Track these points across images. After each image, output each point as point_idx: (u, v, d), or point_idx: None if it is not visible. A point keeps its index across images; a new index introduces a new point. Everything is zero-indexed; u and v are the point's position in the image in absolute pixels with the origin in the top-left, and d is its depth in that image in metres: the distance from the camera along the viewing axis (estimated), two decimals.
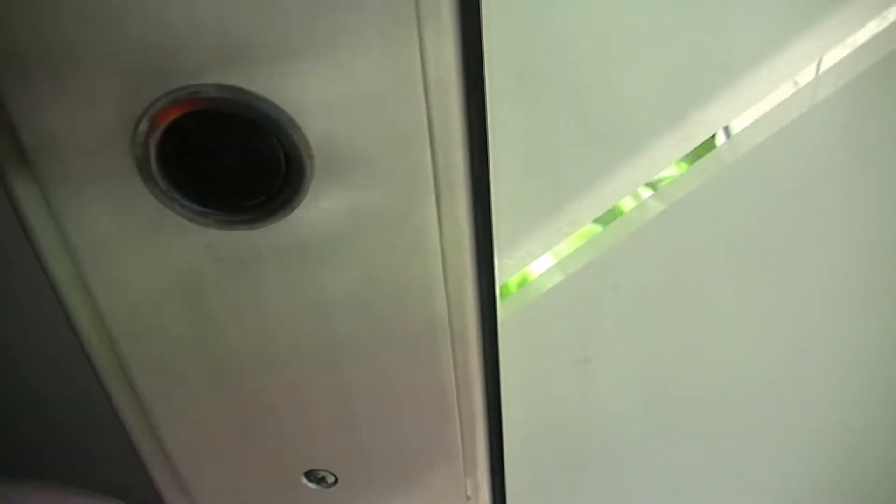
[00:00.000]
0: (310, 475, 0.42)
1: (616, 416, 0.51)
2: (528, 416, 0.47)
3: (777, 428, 0.56)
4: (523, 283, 0.43)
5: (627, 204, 0.40)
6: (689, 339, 0.47)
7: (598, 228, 0.41)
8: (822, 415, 0.57)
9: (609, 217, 0.41)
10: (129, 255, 0.31)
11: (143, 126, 0.27)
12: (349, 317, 0.35)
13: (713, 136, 0.38)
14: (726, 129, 0.39)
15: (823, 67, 0.38)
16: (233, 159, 0.28)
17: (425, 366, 0.38)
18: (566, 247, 0.41)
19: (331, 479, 0.42)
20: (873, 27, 0.38)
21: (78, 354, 0.34)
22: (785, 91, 0.38)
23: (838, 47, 0.37)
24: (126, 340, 0.35)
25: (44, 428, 0.45)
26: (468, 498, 0.45)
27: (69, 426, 0.45)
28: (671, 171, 0.39)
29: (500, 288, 0.39)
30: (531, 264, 0.41)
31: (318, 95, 0.28)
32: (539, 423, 0.49)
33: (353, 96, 0.28)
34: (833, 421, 0.57)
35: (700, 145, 0.38)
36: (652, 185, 0.40)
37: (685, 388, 0.51)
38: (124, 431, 0.41)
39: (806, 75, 0.38)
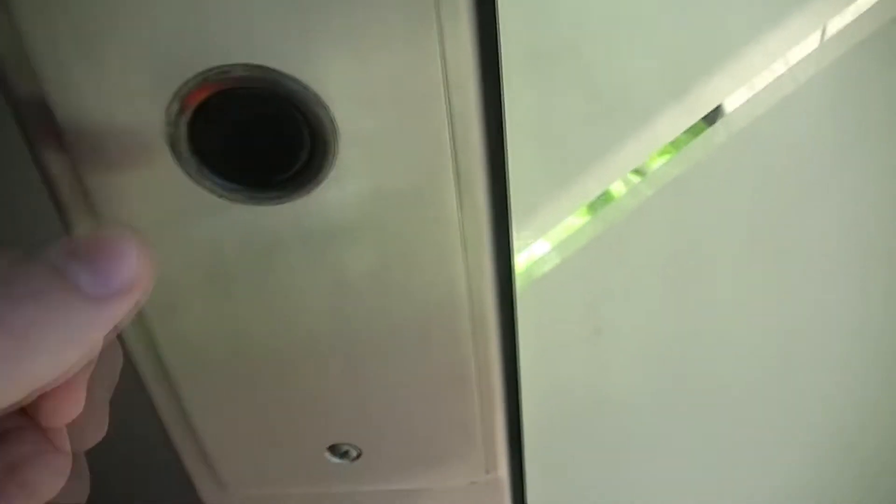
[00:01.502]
0: (333, 449, 0.43)
1: (628, 387, 0.52)
2: (543, 389, 0.48)
3: (786, 399, 0.57)
4: (534, 257, 0.44)
5: (632, 179, 0.41)
6: (696, 310, 0.48)
7: (606, 201, 0.42)
8: (829, 387, 0.57)
9: (615, 192, 0.42)
10: (160, 233, 0.33)
11: (175, 107, 0.28)
12: (370, 293, 0.36)
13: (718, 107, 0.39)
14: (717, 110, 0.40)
15: (827, 35, 0.39)
16: (260, 136, 0.29)
17: (445, 341, 0.38)
18: (576, 220, 0.42)
19: (354, 454, 0.43)
20: None
21: None
22: (779, 67, 0.39)
23: (837, 18, 0.38)
24: (156, 317, 0.36)
25: None
26: (487, 471, 0.46)
27: None
28: (672, 145, 0.40)
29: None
30: (542, 238, 0.41)
31: (342, 76, 0.29)
32: (554, 396, 0.50)
33: (375, 78, 0.29)
34: (836, 390, 0.58)
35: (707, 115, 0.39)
36: (653, 161, 0.41)
37: (694, 358, 0.52)
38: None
39: (800, 49, 0.39)
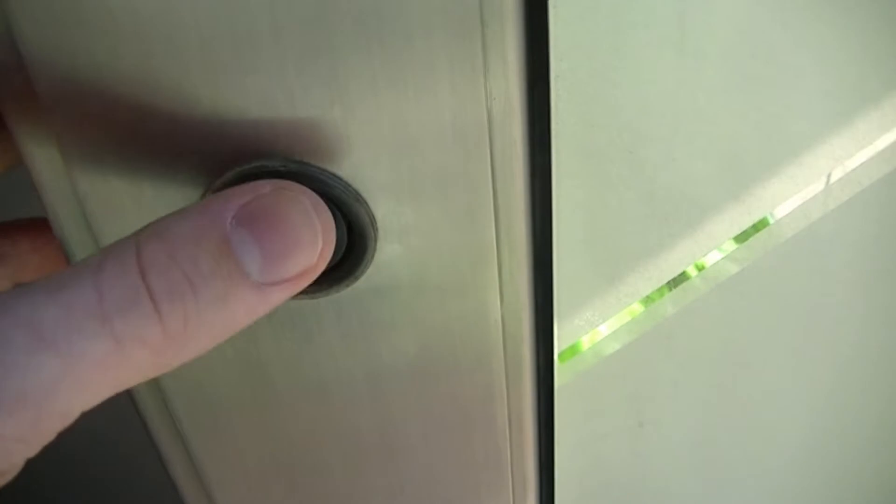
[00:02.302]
0: None
1: (667, 479, 0.51)
2: (581, 478, 0.47)
3: (823, 492, 0.56)
4: (581, 350, 0.43)
5: (685, 277, 0.40)
6: (739, 405, 0.47)
7: (656, 299, 0.41)
8: (873, 481, 0.56)
9: (666, 289, 0.41)
10: None
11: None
12: (407, 385, 0.35)
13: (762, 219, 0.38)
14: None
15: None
16: None
17: (482, 433, 0.37)
18: (625, 315, 0.41)
19: None
20: None
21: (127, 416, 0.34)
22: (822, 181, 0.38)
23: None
24: (179, 398, 0.35)
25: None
26: None
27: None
28: (724, 247, 0.39)
29: (560, 354, 0.39)
30: (590, 332, 0.40)
31: (384, 171, 0.28)
32: (593, 485, 0.49)
33: (419, 173, 0.28)
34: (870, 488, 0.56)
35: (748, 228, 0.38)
36: (706, 261, 0.40)
37: (734, 454, 0.51)
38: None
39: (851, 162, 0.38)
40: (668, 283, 0.39)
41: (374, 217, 0.29)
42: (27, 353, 0.21)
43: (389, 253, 0.30)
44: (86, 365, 0.21)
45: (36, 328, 0.21)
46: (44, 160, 0.27)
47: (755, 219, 0.38)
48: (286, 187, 0.25)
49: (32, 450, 0.22)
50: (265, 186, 0.24)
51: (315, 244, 0.25)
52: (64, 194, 0.28)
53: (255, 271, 0.23)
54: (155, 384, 0.34)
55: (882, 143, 0.39)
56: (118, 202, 0.28)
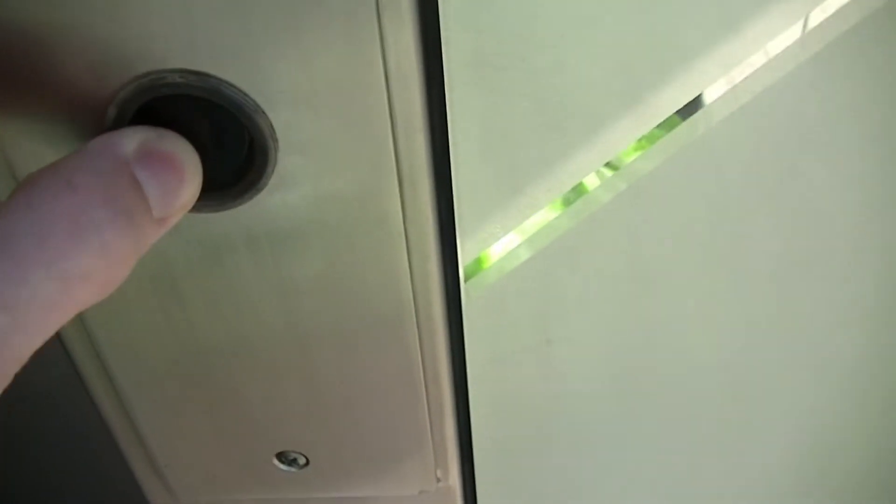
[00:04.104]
0: (281, 457, 0.43)
1: (579, 397, 0.52)
2: (493, 398, 0.48)
3: (739, 411, 0.57)
4: (483, 265, 0.44)
5: (587, 185, 0.41)
6: (649, 320, 0.48)
7: (557, 210, 0.42)
8: (787, 401, 0.58)
9: (568, 199, 0.42)
10: None
11: (112, 112, 0.28)
12: (316, 300, 0.36)
13: (670, 117, 0.39)
14: (697, 101, 0.40)
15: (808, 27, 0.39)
16: (200, 143, 0.29)
17: (392, 349, 0.39)
18: (526, 229, 0.42)
19: (302, 461, 0.43)
20: None
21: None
22: (755, 61, 0.39)
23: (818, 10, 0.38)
24: (99, 324, 0.36)
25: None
26: (438, 479, 0.46)
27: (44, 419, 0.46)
28: (630, 150, 0.40)
29: (464, 270, 0.40)
30: (491, 246, 0.42)
31: (282, 82, 0.29)
32: (505, 405, 0.50)
33: (317, 83, 0.29)
34: (798, 407, 0.58)
35: (660, 124, 0.39)
36: (611, 165, 0.41)
37: (646, 370, 0.52)
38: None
39: (777, 44, 0.39)
40: (568, 193, 0.40)
41: (273, 128, 0.29)
42: None
43: (290, 164, 0.31)
44: (34, 312, 0.22)
45: None
46: None
47: (650, 127, 0.39)
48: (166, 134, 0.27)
49: None
50: (152, 132, 0.27)
51: (197, 179, 0.28)
52: None
53: (156, 206, 0.26)
54: None
55: (772, 48, 0.40)
56: (28, 131, 0.29)
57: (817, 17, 0.39)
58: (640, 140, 0.39)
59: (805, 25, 0.40)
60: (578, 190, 0.41)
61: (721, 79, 0.39)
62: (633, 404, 0.54)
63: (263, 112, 0.29)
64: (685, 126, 0.41)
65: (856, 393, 0.58)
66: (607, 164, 0.40)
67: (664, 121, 0.39)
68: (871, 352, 0.55)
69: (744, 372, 0.54)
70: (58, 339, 0.37)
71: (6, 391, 0.23)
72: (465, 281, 0.41)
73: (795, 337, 0.53)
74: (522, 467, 0.56)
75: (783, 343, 0.53)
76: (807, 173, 0.44)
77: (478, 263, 0.43)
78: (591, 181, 0.41)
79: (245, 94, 0.28)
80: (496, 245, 0.42)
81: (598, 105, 0.37)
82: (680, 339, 0.51)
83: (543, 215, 0.41)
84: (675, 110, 0.38)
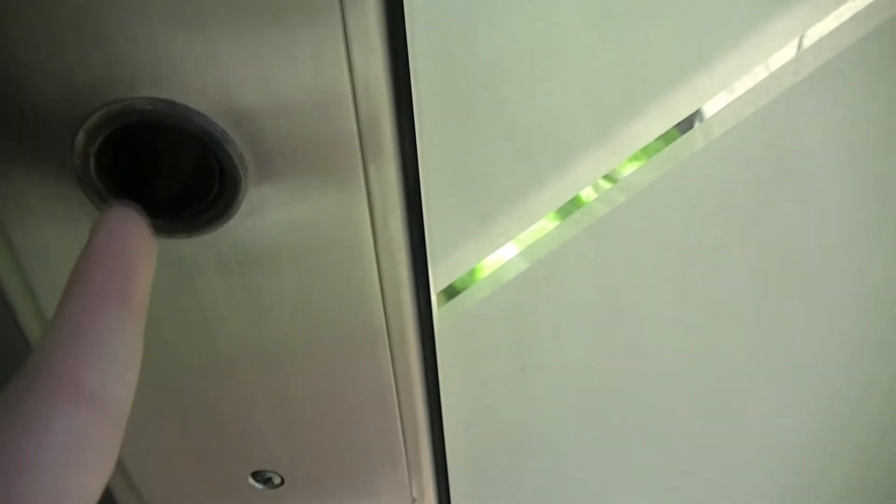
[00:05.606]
0: (256, 476, 0.43)
1: (553, 422, 0.52)
2: (468, 421, 0.48)
3: (711, 437, 0.57)
4: (456, 292, 0.44)
5: (555, 217, 0.42)
6: (622, 348, 0.49)
7: (528, 240, 0.42)
8: (758, 428, 0.58)
9: (537, 231, 0.42)
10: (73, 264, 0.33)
11: (81, 138, 0.28)
12: (288, 323, 0.36)
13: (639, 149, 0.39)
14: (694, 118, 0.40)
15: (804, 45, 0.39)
16: (170, 170, 0.29)
17: (365, 370, 0.39)
18: (500, 257, 0.42)
19: (277, 480, 0.43)
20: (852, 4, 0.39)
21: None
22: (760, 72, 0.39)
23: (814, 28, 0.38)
24: None
25: None
26: (414, 499, 0.46)
27: None
28: (596, 186, 0.41)
29: (437, 297, 0.40)
30: (464, 273, 0.42)
31: (250, 108, 0.29)
32: (480, 428, 0.50)
33: (286, 108, 0.29)
34: (769, 435, 0.58)
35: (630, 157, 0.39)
36: (577, 202, 0.41)
37: (619, 397, 0.52)
38: None
39: (777, 59, 0.39)
40: (539, 224, 0.40)
41: (242, 155, 0.30)
42: None
43: (260, 191, 0.31)
44: None
45: None
46: None
47: (622, 158, 0.39)
48: None
49: None
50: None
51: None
52: None
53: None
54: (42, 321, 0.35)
55: (742, 86, 0.40)
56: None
57: (810, 38, 0.40)
58: (604, 177, 0.39)
59: (799, 45, 0.40)
60: (549, 220, 0.41)
61: (695, 109, 0.39)
62: (605, 428, 0.54)
63: (232, 140, 0.29)
64: (655, 160, 0.41)
65: (832, 428, 0.58)
66: (570, 201, 0.40)
67: (629, 157, 0.39)
68: (848, 384, 0.55)
69: (717, 398, 0.54)
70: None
71: None
72: (440, 307, 0.41)
73: (773, 365, 0.53)
74: (498, 488, 0.56)
75: (762, 371, 0.53)
76: (785, 208, 0.44)
77: (452, 289, 0.44)
78: (560, 212, 0.41)
79: (212, 122, 0.29)
80: (468, 272, 0.42)
81: (565, 138, 0.37)
82: (653, 366, 0.51)
83: (513, 246, 0.41)
84: (642, 145, 0.39)
